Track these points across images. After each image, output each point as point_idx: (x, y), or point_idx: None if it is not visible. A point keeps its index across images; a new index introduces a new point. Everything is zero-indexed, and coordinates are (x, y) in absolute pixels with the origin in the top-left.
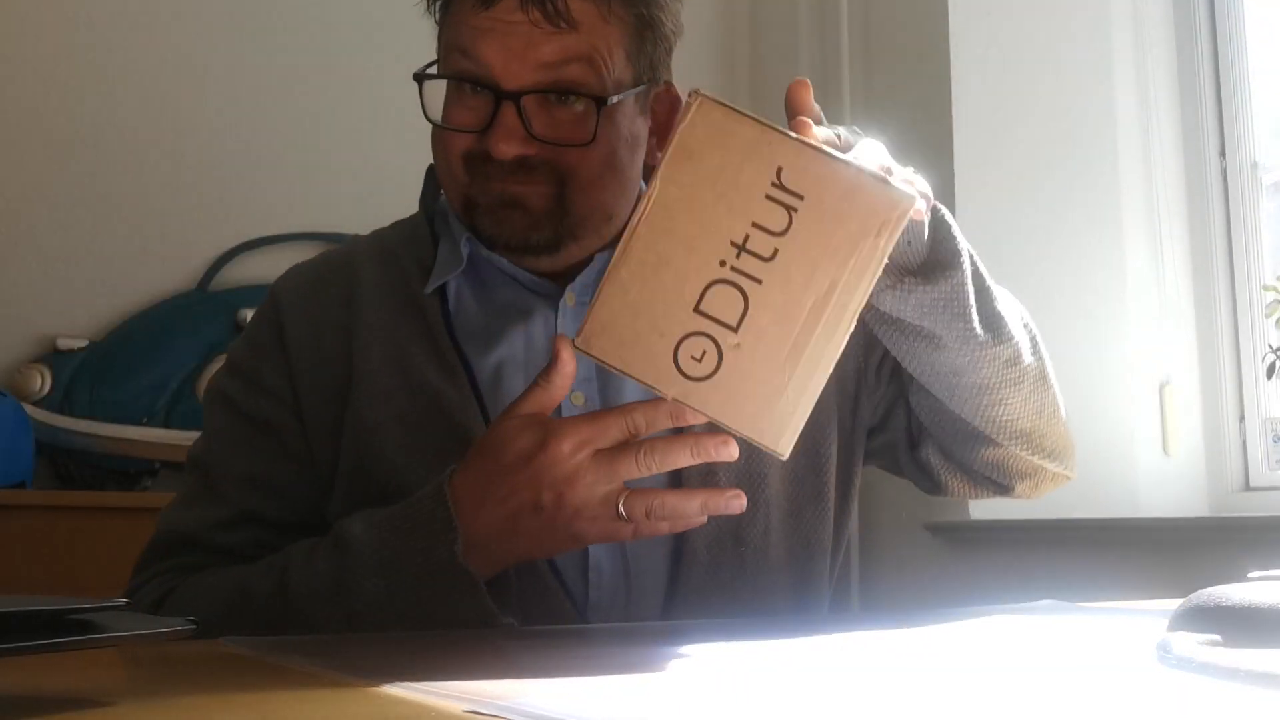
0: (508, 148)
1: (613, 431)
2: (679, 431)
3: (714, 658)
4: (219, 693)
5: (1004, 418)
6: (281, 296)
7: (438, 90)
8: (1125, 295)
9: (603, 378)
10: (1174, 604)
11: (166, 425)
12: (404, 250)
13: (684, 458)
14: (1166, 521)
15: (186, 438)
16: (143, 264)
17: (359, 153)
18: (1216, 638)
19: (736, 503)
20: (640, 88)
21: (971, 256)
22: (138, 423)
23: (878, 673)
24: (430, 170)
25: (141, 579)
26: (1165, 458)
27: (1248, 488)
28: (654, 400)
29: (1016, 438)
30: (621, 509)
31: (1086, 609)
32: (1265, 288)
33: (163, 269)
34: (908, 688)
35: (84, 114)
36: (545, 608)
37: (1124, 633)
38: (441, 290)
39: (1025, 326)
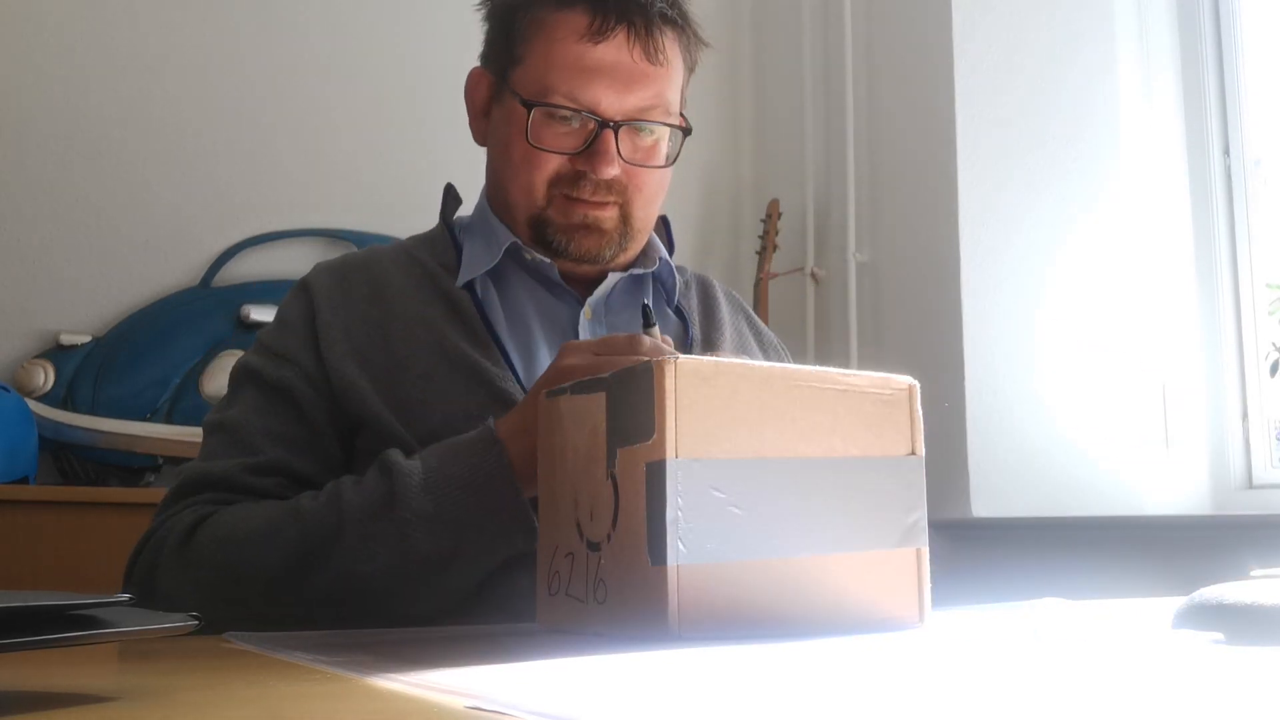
0: (609, 169)
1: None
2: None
3: (720, 655)
4: (222, 688)
5: None
6: (314, 285)
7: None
8: (1128, 293)
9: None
10: (1177, 602)
11: (169, 421)
12: (426, 255)
13: None
14: (1169, 519)
15: (189, 434)
16: (145, 260)
17: (361, 150)
18: (1219, 635)
19: None
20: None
21: None
22: (141, 419)
23: (878, 671)
24: (449, 188)
25: (168, 514)
26: (1168, 456)
27: (1250, 486)
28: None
29: None
30: None
31: (1089, 606)
32: (1269, 286)
33: (165, 265)
34: (908, 686)
35: (86, 111)
36: None
37: (1127, 630)
38: (468, 287)
39: None
